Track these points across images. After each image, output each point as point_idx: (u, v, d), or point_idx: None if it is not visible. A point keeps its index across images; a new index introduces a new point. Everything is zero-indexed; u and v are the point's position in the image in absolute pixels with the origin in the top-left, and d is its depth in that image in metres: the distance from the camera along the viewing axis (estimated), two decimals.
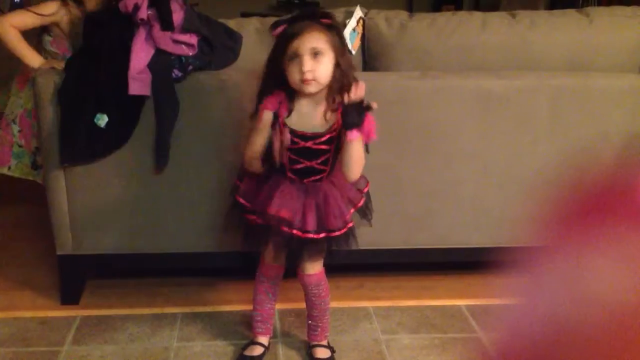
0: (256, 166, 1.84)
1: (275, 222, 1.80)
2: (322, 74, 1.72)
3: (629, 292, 0.42)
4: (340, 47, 1.76)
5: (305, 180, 1.83)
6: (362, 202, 1.91)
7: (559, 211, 0.49)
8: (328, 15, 1.76)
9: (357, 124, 1.71)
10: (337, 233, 1.83)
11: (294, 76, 1.73)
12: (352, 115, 1.71)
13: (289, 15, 1.75)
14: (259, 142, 1.81)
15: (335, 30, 1.76)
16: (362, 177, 1.90)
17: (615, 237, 0.45)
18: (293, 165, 1.81)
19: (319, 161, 1.82)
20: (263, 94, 1.80)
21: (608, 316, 0.42)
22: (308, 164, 1.81)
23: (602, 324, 0.42)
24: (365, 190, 1.94)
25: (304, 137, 1.79)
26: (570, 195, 0.49)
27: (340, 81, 1.75)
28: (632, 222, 0.45)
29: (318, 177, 1.84)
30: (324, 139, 1.79)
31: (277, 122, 1.78)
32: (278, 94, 1.79)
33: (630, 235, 0.44)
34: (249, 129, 1.85)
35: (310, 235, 1.82)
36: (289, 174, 1.83)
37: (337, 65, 1.75)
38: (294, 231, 1.81)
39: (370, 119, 1.78)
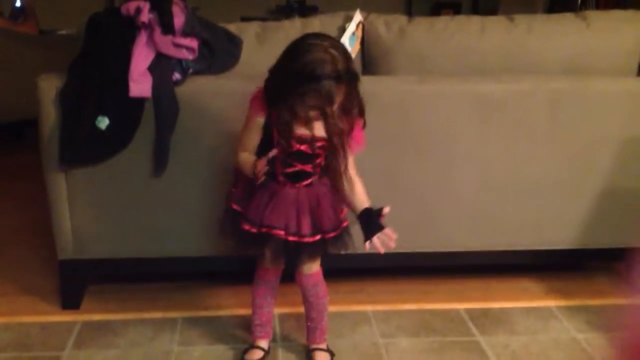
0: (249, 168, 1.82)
1: (270, 231, 1.81)
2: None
3: None
4: (348, 82, 1.69)
5: (296, 185, 1.84)
6: None
7: None
8: (348, 68, 1.68)
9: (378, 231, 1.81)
10: (332, 234, 1.85)
11: (303, 110, 1.70)
12: (371, 227, 1.81)
13: (313, 71, 1.62)
14: (251, 143, 1.81)
15: (354, 76, 1.70)
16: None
17: None
18: (285, 168, 1.82)
19: (311, 165, 1.83)
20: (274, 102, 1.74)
21: None
22: (301, 167, 1.81)
23: None
24: None
25: (301, 139, 1.78)
26: None
27: (345, 106, 1.73)
28: None
29: (309, 180, 1.85)
30: (319, 144, 1.80)
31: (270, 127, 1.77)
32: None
33: None
34: (241, 131, 1.85)
35: (306, 239, 1.83)
36: (280, 178, 1.83)
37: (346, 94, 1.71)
38: (290, 237, 1.82)
39: (358, 129, 1.80)
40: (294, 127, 1.74)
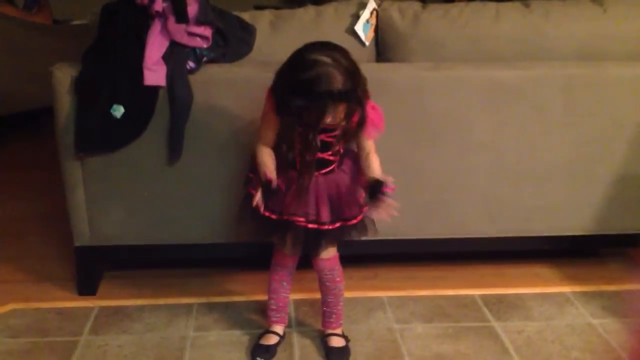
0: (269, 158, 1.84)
1: (291, 218, 1.82)
2: None
3: None
4: (347, 100, 1.69)
5: (316, 173, 1.84)
6: None
7: None
8: (349, 88, 1.67)
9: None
10: (353, 222, 1.86)
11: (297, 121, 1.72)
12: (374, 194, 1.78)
13: (309, 88, 1.64)
14: (269, 135, 1.83)
15: (354, 95, 1.70)
16: None
17: None
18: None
19: (330, 152, 1.84)
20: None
21: None
22: (320, 155, 1.82)
23: None
24: None
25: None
26: None
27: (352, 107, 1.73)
28: None
29: (329, 168, 1.86)
30: (335, 133, 1.80)
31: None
32: None
33: None
34: (260, 122, 1.86)
35: (326, 227, 1.84)
36: (299, 166, 1.83)
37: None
38: (309, 225, 1.83)
39: (378, 110, 1.80)
40: (293, 133, 1.74)
